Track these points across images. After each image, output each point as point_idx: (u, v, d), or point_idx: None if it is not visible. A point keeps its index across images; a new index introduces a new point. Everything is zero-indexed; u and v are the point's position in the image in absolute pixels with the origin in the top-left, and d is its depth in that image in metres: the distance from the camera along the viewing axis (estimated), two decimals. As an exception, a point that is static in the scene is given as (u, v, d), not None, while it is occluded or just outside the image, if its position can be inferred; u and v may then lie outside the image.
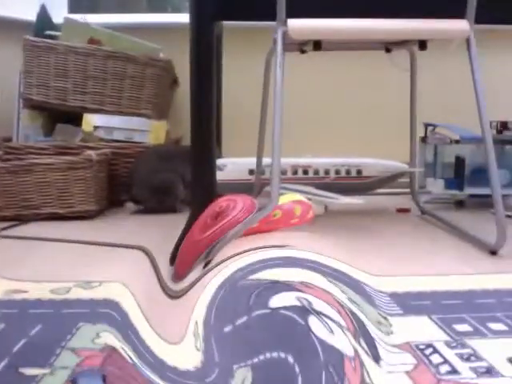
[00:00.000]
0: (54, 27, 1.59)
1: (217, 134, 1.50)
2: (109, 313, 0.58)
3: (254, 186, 1.35)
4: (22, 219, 1.28)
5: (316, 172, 1.35)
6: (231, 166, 1.36)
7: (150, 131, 1.54)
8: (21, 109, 1.60)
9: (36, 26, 1.56)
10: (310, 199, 1.22)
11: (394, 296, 0.70)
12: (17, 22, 1.67)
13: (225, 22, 1.47)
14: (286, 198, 1.08)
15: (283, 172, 1.37)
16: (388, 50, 1.30)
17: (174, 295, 0.72)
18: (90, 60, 1.51)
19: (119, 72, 1.53)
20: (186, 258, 0.90)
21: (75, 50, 1.51)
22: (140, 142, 1.52)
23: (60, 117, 1.59)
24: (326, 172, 1.35)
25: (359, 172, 1.35)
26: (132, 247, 1.01)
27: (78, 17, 1.57)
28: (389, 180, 1.36)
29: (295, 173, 1.36)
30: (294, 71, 1.76)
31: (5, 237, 1.12)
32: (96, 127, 1.52)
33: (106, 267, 0.85)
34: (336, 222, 1.27)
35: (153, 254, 0.96)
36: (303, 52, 1.26)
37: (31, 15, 1.61)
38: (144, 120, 1.54)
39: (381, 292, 0.69)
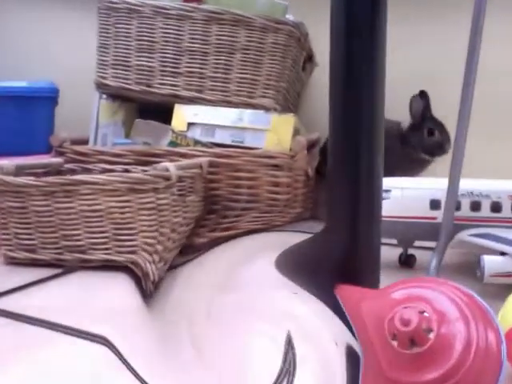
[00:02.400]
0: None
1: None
2: None
3: (441, 230, 0.76)
4: (64, 266, 0.83)
5: None
6: (400, 192, 0.79)
7: (268, 130, 1.02)
8: (101, 100, 1.18)
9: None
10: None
11: None
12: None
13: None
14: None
15: (495, 208, 0.76)
16: None
17: None
18: (185, 25, 1.03)
19: (226, 42, 1.03)
20: None
21: (165, 11, 1.04)
22: (252, 148, 1.01)
23: (148, 110, 1.14)
24: None
25: None
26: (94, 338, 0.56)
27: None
28: None
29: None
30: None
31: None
32: (190, 124, 1.04)
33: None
34: None
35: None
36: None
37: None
38: (261, 113, 1.03)
39: None
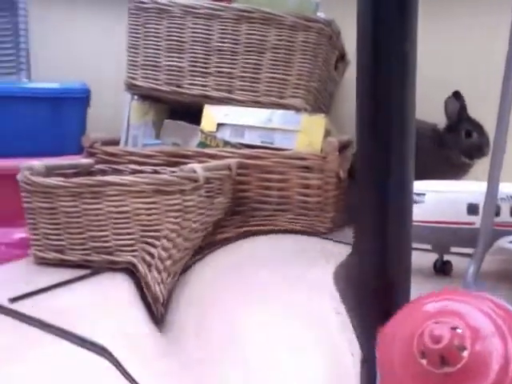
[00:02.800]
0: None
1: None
2: None
3: (479, 237, 0.72)
4: (91, 267, 0.83)
5: None
6: (434, 196, 0.75)
7: (299, 131, 1.00)
8: (132, 100, 1.18)
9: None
10: None
11: None
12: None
13: None
14: None
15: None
16: None
17: None
18: (214, 25, 1.02)
19: (256, 41, 1.01)
20: None
21: (195, 11, 1.03)
22: (282, 149, 0.98)
23: (178, 110, 1.14)
24: None
25: None
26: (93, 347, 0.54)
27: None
28: None
29: None
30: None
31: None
32: (220, 125, 1.03)
33: None
34: None
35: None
36: None
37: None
38: (291, 114, 1.00)
39: None
